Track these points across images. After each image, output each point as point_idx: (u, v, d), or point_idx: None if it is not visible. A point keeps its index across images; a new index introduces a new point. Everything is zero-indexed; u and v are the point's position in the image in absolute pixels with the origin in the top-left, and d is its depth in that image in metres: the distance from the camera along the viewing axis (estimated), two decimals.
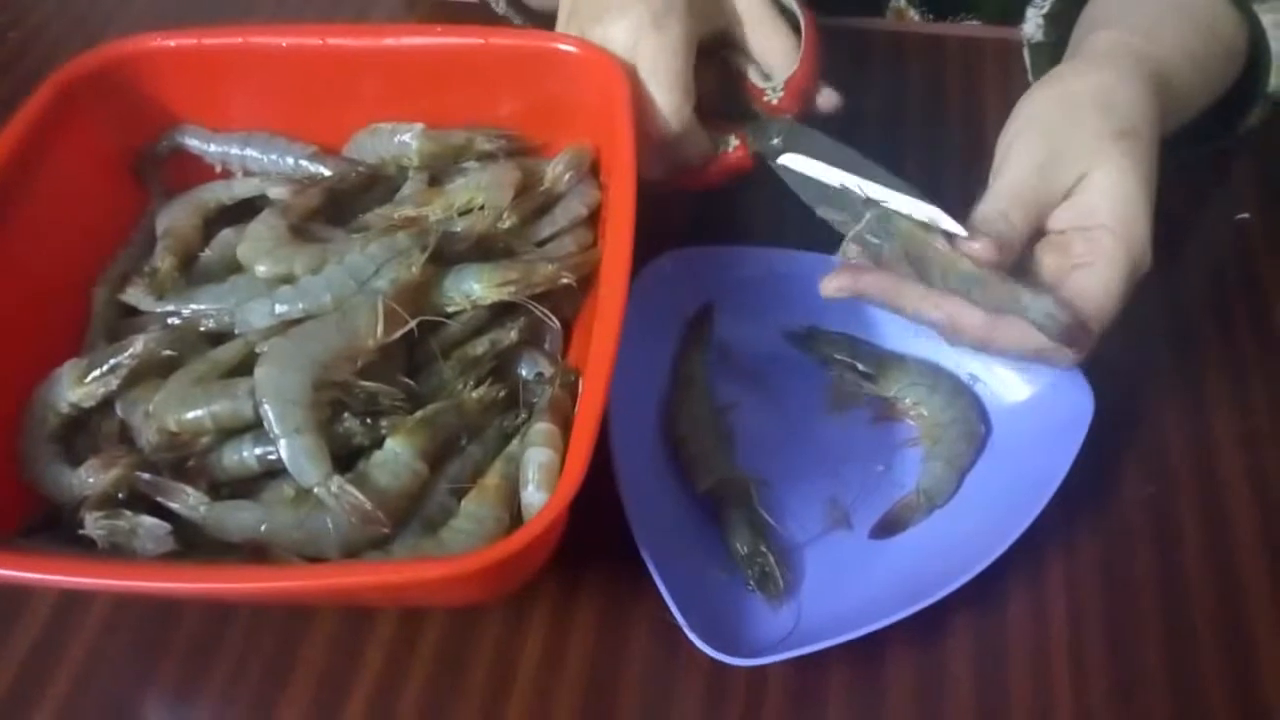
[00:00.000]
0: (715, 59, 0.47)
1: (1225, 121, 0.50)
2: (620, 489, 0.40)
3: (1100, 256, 0.37)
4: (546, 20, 0.50)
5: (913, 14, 0.64)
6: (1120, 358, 0.47)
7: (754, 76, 0.47)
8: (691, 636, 0.37)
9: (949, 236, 0.39)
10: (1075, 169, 0.38)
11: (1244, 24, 0.47)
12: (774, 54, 0.46)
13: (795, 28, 0.47)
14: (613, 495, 0.40)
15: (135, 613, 0.41)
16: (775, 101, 0.46)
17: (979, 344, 0.40)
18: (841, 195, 0.42)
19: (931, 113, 0.58)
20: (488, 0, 0.57)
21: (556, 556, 0.37)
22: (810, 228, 0.52)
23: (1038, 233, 0.39)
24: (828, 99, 0.47)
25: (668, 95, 0.43)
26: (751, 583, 0.41)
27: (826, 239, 0.51)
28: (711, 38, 0.46)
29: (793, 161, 0.43)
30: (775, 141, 0.44)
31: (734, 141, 0.46)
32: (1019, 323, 0.38)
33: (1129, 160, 0.38)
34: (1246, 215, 0.53)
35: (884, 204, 0.40)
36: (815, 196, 0.43)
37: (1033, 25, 0.52)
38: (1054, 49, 0.50)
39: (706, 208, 0.54)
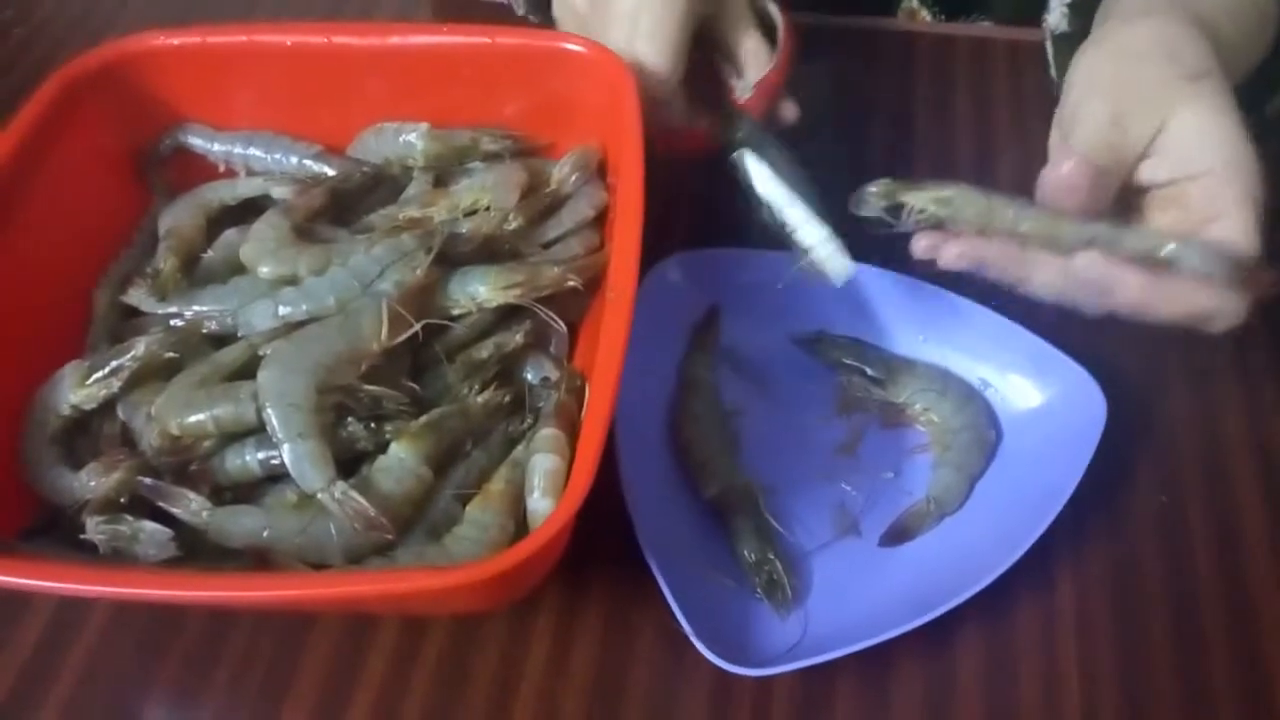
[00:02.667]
0: (696, 52, 0.48)
1: (1250, 102, 0.48)
2: (626, 495, 0.40)
3: (1227, 204, 0.35)
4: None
5: (924, 14, 0.63)
6: (1133, 365, 0.47)
7: (728, 75, 0.49)
8: (698, 645, 0.36)
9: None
10: (1152, 119, 0.37)
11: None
12: (748, 55, 0.47)
13: (771, 36, 0.48)
14: (618, 501, 0.40)
15: (137, 616, 0.41)
16: (743, 99, 0.47)
17: (1134, 309, 0.37)
18: (773, 207, 0.44)
19: (942, 113, 0.58)
20: (510, 2, 0.57)
21: (562, 563, 0.37)
22: None
23: (1128, 190, 0.37)
24: (789, 110, 0.49)
25: (664, 59, 0.44)
26: (759, 590, 0.40)
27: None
28: (700, 26, 0.46)
29: (746, 161, 0.45)
30: (738, 135, 0.46)
31: (704, 123, 0.48)
32: (1181, 282, 0.35)
33: (1214, 100, 0.36)
34: None
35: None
36: (756, 199, 0.45)
37: (1057, 15, 0.51)
38: (1077, 40, 0.50)
39: (713, 211, 0.53)
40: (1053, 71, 0.52)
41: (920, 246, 0.40)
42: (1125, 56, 0.38)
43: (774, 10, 0.48)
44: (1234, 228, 0.36)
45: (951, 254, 0.39)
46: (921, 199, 0.39)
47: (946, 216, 0.39)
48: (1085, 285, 0.37)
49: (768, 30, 0.48)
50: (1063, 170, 0.36)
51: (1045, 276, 0.38)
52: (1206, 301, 0.36)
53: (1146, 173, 0.38)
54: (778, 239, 0.43)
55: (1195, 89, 0.37)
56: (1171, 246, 0.35)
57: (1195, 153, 0.36)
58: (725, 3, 0.47)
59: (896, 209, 0.40)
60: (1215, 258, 0.34)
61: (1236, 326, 0.37)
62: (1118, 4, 0.43)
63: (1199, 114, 0.36)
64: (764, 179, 0.44)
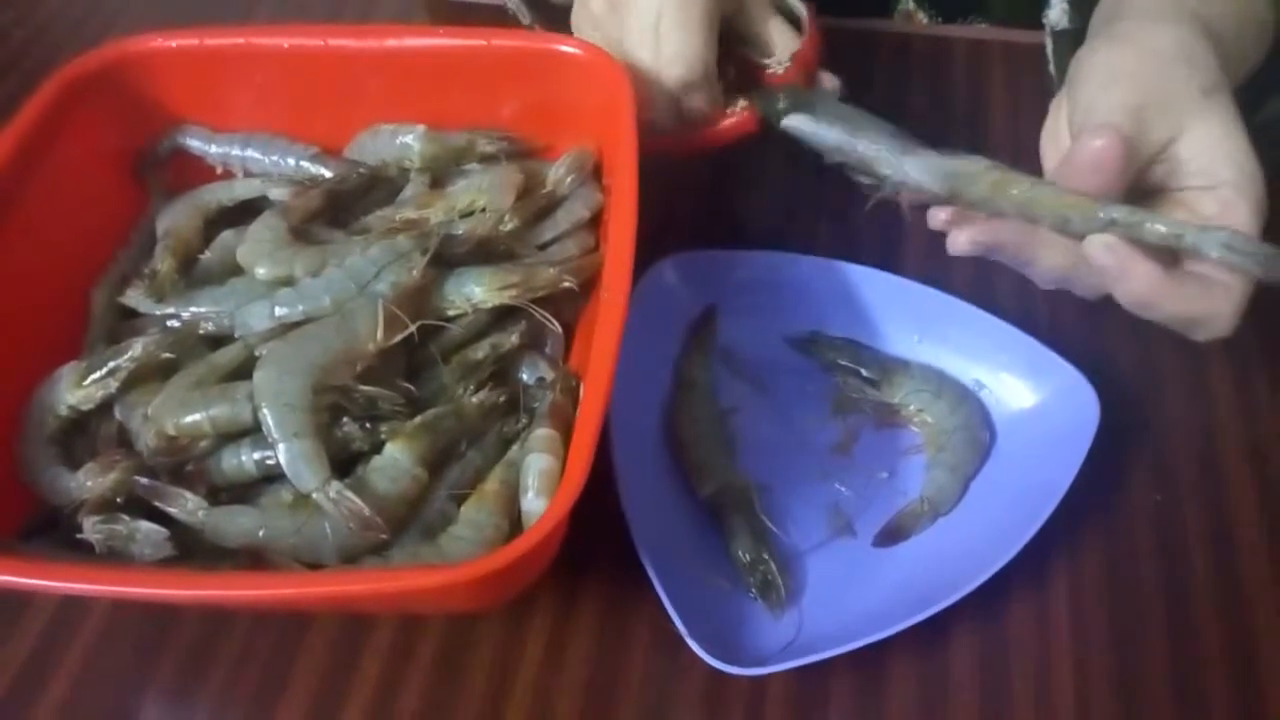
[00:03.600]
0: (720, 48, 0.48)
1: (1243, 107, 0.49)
2: (621, 495, 0.40)
3: (1240, 217, 0.36)
4: (559, 15, 0.50)
5: (921, 16, 0.63)
6: (1126, 364, 0.47)
7: (758, 59, 0.49)
8: (692, 645, 0.37)
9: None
10: (1170, 123, 0.37)
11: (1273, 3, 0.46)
12: (775, 36, 0.48)
13: (794, 26, 0.48)
14: (613, 501, 0.40)
15: (134, 617, 0.41)
16: (780, 73, 0.48)
17: (1137, 301, 0.36)
18: (852, 149, 0.42)
19: (938, 115, 0.58)
20: (514, 12, 0.57)
21: (557, 563, 0.37)
22: (814, 231, 0.52)
23: (1131, 189, 0.37)
24: (829, 80, 0.48)
25: (695, 38, 0.44)
26: (753, 590, 0.40)
27: (830, 242, 0.51)
28: (723, 22, 0.47)
29: (798, 122, 0.44)
30: (781, 105, 0.46)
31: (741, 103, 0.47)
32: (1190, 283, 0.35)
33: (1228, 114, 0.37)
34: None
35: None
36: (830, 151, 0.43)
37: (1058, 11, 0.51)
38: (1078, 36, 0.50)
39: (709, 211, 0.53)
40: (1051, 68, 0.52)
41: (940, 219, 0.38)
42: (1151, 56, 0.38)
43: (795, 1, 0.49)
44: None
45: (963, 240, 0.38)
46: (920, 169, 0.38)
47: (948, 192, 0.38)
48: (1096, 270, 0.37)
49: (789, 21, 0.49)
50: (1096, 144, 0.35)
51: (1053, 259, 0.38)
52: (1207, 306, 0.36)
53: (1158, 175, 0.38)
54: (859, 182, 0.42)
55: (1211, 102, 0.37)
56: (1194, 234, 0.34)
57: (1211, 164, 0.37)
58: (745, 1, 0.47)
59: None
60: (1248, 245, 0.34)
61: (1221, 338, 0.37)
62: (1124, 4, 0.43)
63: (1215, 126, 0.37)
64: (827, 131, 0.43)
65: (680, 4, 0.44)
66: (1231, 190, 0.36)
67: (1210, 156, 0.37)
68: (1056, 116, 0.42)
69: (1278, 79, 0.46)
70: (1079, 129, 0.38)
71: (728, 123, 0.47)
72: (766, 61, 0.48)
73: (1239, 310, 0.37)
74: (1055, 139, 0.42)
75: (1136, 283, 0.36)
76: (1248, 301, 0.36)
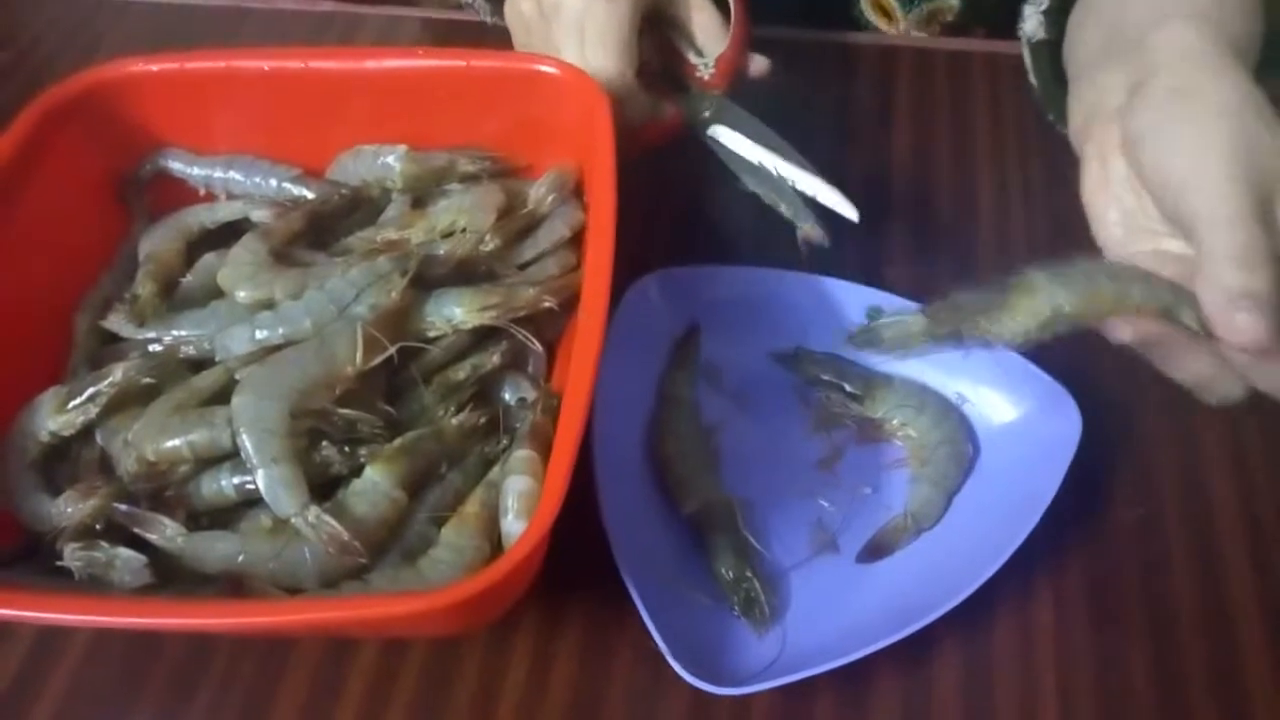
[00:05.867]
0: (653, 33, 0.50)
1: None
2: (604, 514, 0.40)
3: None
4: None
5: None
6: (1108, 378, 0.47)
7: (687, 52, 0.50)
8: (675, 665, 0.37)
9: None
10: (1266, 188, 0.35)
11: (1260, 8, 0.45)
12: (705, 31, 0.49)
13: (726, 11, 0.50)
14: (596, 520, 0.40)
15: (117, 641, 0.41)
16: (706, 77, 0.49)
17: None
18: (762, 170, 0.46)
19: (920, 127, 0.58)
20: (475, 8, 0.57)
21: (540, 583, 0.37)
22: (797, 246, 0.52)
23: None
24: (759, 65, 0.50)
25: (614, 61, 0.46)
26: (736, 608, 0.40)
27: (813, 257, 0.51)
28: (650, 10, 0.48)
29: (720, 134, 0.47)
30: (706, 114, 0.48)
31: (669, 109, 0.49)
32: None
33: None
34: None
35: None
36: (741, 168, 0.47)
37: (1033, 23, 0.51)
38: (1054, 46, 0.50)
39: (691, 227, 0.53)
40: (1031, 78, 0.52)
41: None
42: (1234, 117, 0.35)
43: None
44: None
45: (1126, 335, 0.37)
46: (1004, 328, 0.37)
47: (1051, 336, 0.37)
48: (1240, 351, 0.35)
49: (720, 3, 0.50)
50: (1242, 325, 0.33)
51: (1197, 362, 0.37)
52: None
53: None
54: (767, 207, 0.45)
55: None
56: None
57: None
58: None
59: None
60: None
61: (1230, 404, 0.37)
62: (1135, 38, 0.40)
63: None
64: (743, 146, 0.46)
65: (602, 14, 0.45)
66: None
67: None
68: (1102, 164, 0.40)
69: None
70: (1180, 209, 0.36)
71: (657, 128, 0.49)
72: (694, 61, 0.50)
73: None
74: (1105, 185, 0.40)
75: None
76: None
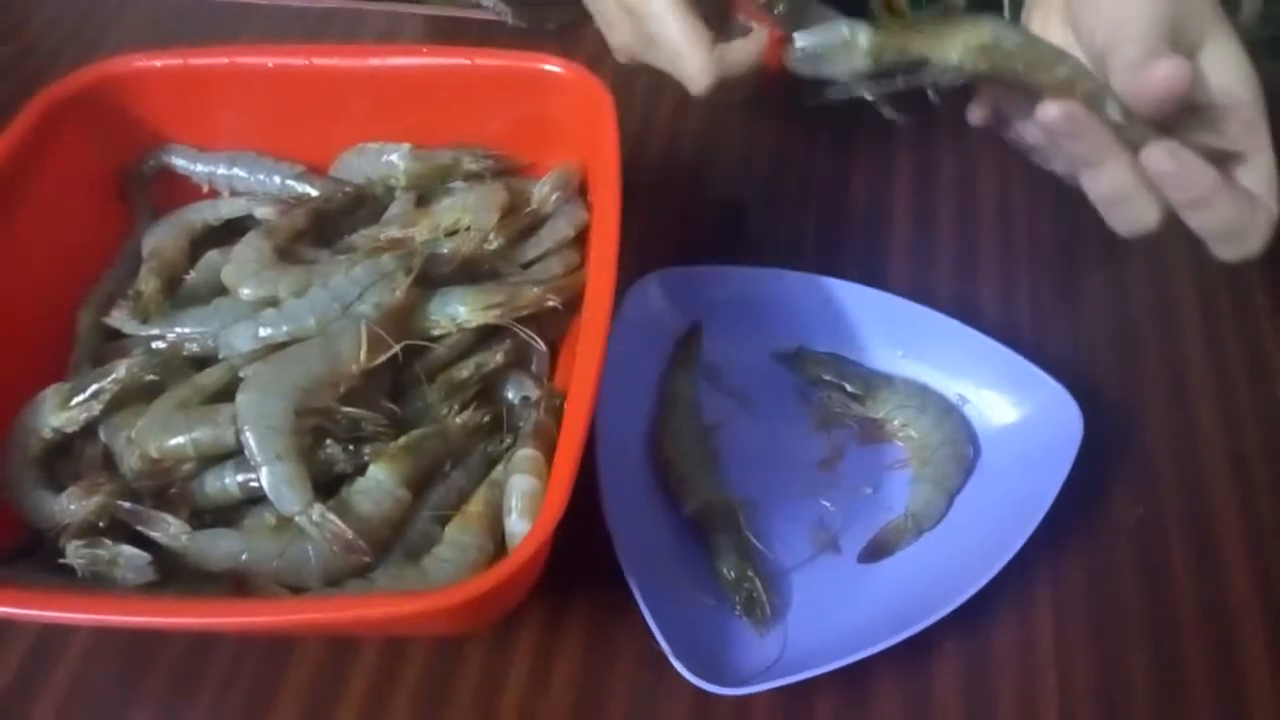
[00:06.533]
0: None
1: None
2: (606, 514, 0.40)
3: (1258, 136, 0.36)
4: (542, 12, 0.49)
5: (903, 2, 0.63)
6: (1109, 378, 0.47)
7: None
8: (677, 665, 0.37)
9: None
10: (1194, 37, 0.36)
11: None
12: None
13: None
14: (599, 519, 0.40)
15: (119, 638, 0.41)
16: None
17: (1197, 199, 0.36)
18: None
19: (921, 126, 0.58)
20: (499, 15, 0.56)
21: (542, 582, 0.37)
22: (798, 246, 0.53)
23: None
24: None
25: (695, 54, 0.42)
26: (738, 608, 0.40)
27: (814, 257, 0.51)
28: None
29: (804, 40, 0.40)
30: (780, 10, 0.42)
31: (764, 33, 0.43)
32: (1244, 192, 0.36)
33: (1235, 33, 0.37)
34: None
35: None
36: (846, 75, 0.39)
37: None
38: None
39: (694, 227, 0.53)
40: (1005, 10, 0.52)
41: (977, 116, 0.38)
42: None
43: None
44: (1269, 161, 0.37)
45: (1054, 111, 0.36)
46: (946, 49, 0.36)
47: (986, 71, 0.36)
48: (1158, 179, 0.36)
49: None
50: (1161, 71, 0.34)
51: (1116, 170, 0.37)
52: (1248, 218, 0.36)
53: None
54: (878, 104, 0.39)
55: (1220, 18, 0.37)
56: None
57: (1230, 82, 0.36)
58: None
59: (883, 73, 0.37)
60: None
61: (1248, 258, 0.37)
62: None
63: (1231, 44, 0.37)
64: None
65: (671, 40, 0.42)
66: (1251, 111, 0.36)
67: (1229, 74, 0.36)
68: (1044, 26, 0.40)
69: None
70: (1107, 42, 0.37)
71: (771, 54, 0.42)
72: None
73: (1269, 230, 0.36)
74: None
75: (1194, 190, 0.35)
76: (1275, 227, 0.36)
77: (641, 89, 0.58)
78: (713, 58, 0.42)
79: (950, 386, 0.46)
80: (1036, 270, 0.51)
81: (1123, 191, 0.38)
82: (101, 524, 0.37)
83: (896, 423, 0.45)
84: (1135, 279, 0.51)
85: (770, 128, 0.57)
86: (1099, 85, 0.37)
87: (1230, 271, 0.51)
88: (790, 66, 0.40)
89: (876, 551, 0.42)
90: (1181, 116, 0.37)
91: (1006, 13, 0.51)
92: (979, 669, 0.40)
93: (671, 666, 0.37)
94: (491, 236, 0.44)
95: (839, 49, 0.39)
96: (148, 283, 0.44)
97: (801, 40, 0.39)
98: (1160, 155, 0.36)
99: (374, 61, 0.47)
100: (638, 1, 0.43)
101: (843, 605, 0.41)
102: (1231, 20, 0.47)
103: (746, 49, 0.43)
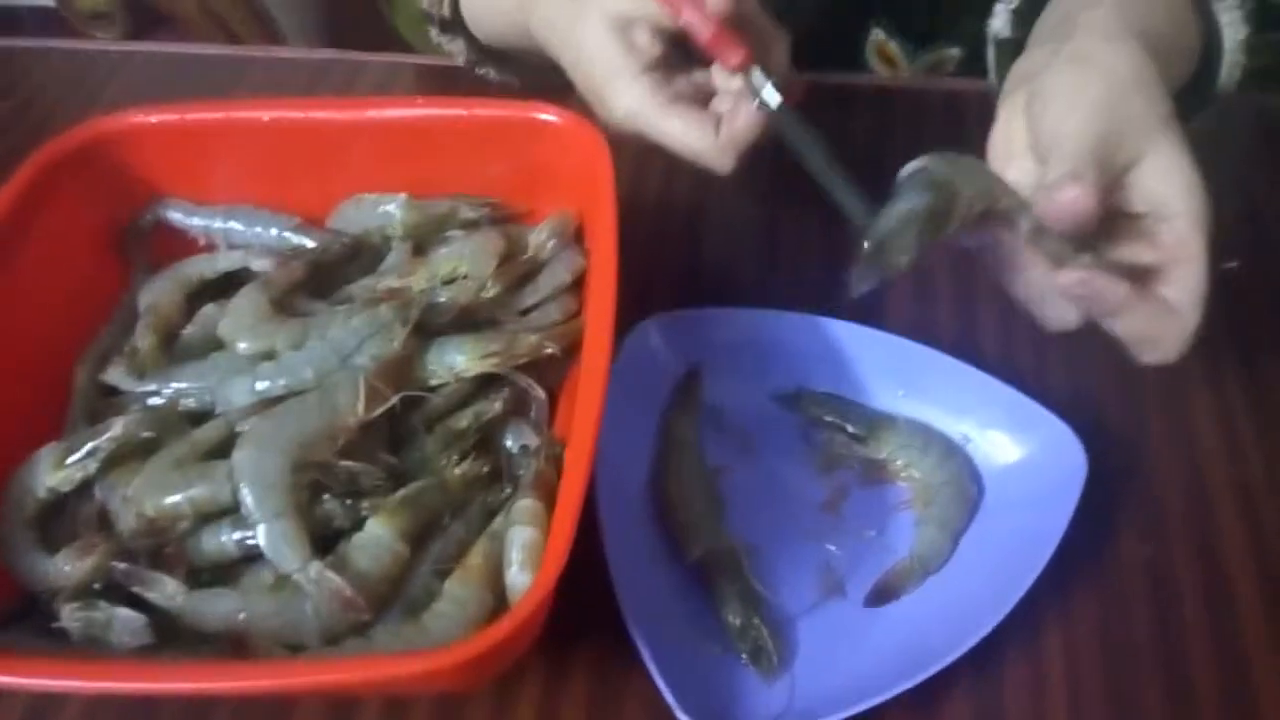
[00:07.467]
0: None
1: None
2: (609, 562, 0.40)
3: (1194, 249, 0.37)
4: (543, 74, 0.50)
5: (893, 46, 0.64)
6: (1112, 415, 0.47)
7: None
8: (684, 719, 0.36)
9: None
10: (1129, 151, 0.38)
11: (1199, 23, 0.47)
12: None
13: None
14: (601, 568, 0.39)
15: (115, 703, 0.40)
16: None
17: (1103, 315, 0.38)
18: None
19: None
20: (470, 63, 0.58)
21: (545, 634, 0.36)
22: (797, 287, 0.52)
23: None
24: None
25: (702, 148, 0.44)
26: (745, 656, 0.40)
27: (812, 298, 0.51)
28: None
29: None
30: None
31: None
32: (1160, 303, 0.37)
33: (1182, 145, 0.38)
34: (1234, 263, 0.53)
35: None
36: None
37: (1001, 20, 0.52)
38: (1019, 46, 0.50)
39: (691, 270, 0.53)
40: (992, 76, 0.53)
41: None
42: (1115, 81, 0.39)
43: None
44: (1197, 273, 0.37)
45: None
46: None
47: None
48: (1067, 295, 0.38)
49: None
50: (1068, 195, 0.36)
51: (1031, 279, 0.39)
52: (1161, 328, 0.37)
53: (1114, 199, 0.38)
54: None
55: (1168, 130, 0.38)
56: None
57: (1167, 194, 0.37)
58: None
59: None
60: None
61: (1166, 363, 0.38)
62: (1070, 19, 0.43)
63: (1173, 156, 0.38)
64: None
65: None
66: (1186, 222, 0.37)
67: (1167, 186, 0.37)
68: (1008, 124, 0.42)
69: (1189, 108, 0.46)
70: (1046, 152, 0.39)
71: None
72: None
73: (1187, 339, 0.38)
74: (1007, 144, 0.42)
75: (1108, 300, 0.37)
76: (1195, 335, 0.38)
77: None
78: (725, 143, 0.44)
79: (953, 426, 0.45)
80: None
81: (1039, 297, 0.39)
82: (97, 585, 0.36)
83: (899, 463, 0.45)
84: None
85: (766, 169, 0.57)
86: (1016, 203, 0.38)
87: (1228, 300, 0.52)
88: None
89: (882, 595, 0.42)
90: (1117, 224, 0.38)
91: (993, 74, 0.53)
92: (990, 711, 0.39)
93: (678, 718, 0.36)
94: (489, 284, 0.44)
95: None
96: (144, 338, 0.44)
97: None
98: (1070, 279, 0.37)
99: (370, 113, 0.47)
100: (629, 120, 0.44)
101: (850, 651, 0.40)
102: (1209, 92, 0.49)
103: (748, 118, 0.44)
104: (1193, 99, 0.48)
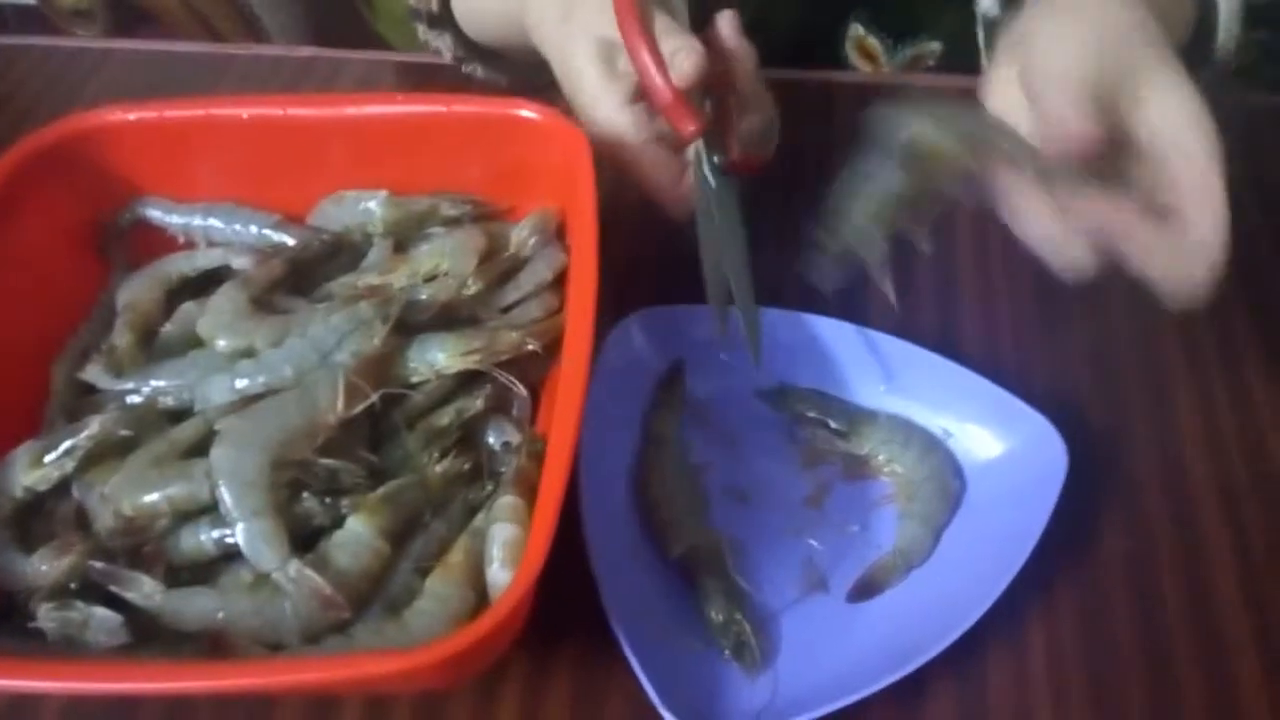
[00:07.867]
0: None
1: None
2: (591, 560, 0.39)
3: (1213, 189, 0.36)
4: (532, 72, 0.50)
5: (872, 40, 0.64)
6: (1094, 409, 0.47)
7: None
8: (667, 716, 0.36)
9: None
10: (1132, 90, 0.37)
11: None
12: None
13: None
14: (583, 564, 0.39)
15: (93, 704, 0.40)
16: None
17: (1122, 247, 0.37)
18: None
19: None
20: (457, 60, 0.58)
21: (528, 630, 0.36)
22: (778, 283, 0.52)
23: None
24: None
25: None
26: (727, 652, 0.40)
27: (794, 293, 0.51)
28: None
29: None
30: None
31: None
32: (1179, 237, 0.36)
33: (1186, 81, 0.37)
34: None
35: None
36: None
37: (989, 1, 0.52)
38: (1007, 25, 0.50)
39: (673, 267, 0.53)
40: (984, 59, 0.53)
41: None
42: (1108, 23, 0.38)
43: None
44: (1216, 201, 0.37)
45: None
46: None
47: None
48: (1086, 230, 0.37)
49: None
50: (1074, 130, 0.36)
51: (1045, 220, 0.38)
52: (1190, 264, 0.36)
53: (1127, 146, 0.38)
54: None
55: (1170, 66, 0.37)
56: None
57: (1180, 129, 0.37)
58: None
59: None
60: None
61: (1196, 303, 0.37)
62: None
63: (1179, 92, 0.37)
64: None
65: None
66: (1199, 154, 0.36)
67: (1175, 122, 0.37)
68: (1002, 85, 0.41)
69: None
70: (1038, 96, 0.38)
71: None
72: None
73: (1215, 271, 0.36)
74: (1003, 103, 0.41)
75: (1120, 220, 0.36)
76: (1222, 269, 0.36)
77: None
78: (684, 193, 0.46)
79: (934, 421, 0.45)
80: (1017, 302, 0.51)
81: (1053, 240, 0.38)
82: (74, 585, 0.36)
83: (881, 458, 0.45)
84: (1116, 309, 0.51)
85: None
86: (1017, 145, 0.38)
87: (1211, 300, 0.52)
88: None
89: (865, 590, 0.42)
90: (1129, 171, 0.38)
91: (983, 55, 0.53)
92: (974, 706, 0.39)
93: (661, 715, 0.36)
94: (470, 281, 0.44)
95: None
96: (122, 336, 0.43)
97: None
98: (1079, 207, 0.37)
99: (350, 110, 0.47)
100: (604, 147, 0.45)
101: (833, 646, 0.40)
102: (1209, 47, 0.48)
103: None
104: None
